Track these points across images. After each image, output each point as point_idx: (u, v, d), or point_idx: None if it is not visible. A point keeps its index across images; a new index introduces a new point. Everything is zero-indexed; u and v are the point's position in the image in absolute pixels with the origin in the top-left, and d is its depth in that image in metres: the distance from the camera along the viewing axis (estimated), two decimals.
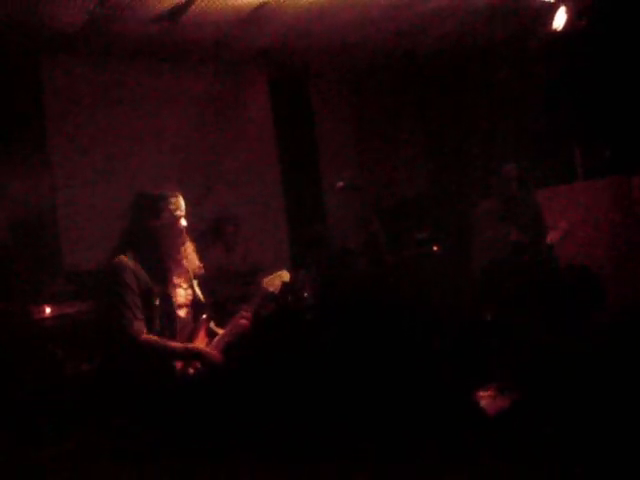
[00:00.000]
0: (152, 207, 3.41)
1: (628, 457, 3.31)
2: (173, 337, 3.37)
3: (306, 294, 5.83)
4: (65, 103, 6.75)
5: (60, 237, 6.65)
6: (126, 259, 3.34)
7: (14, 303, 5.38)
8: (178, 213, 3.45)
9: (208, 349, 3.44)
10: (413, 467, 3.54)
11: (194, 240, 3.61)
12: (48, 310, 5.42)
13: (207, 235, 6.38)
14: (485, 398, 4.59)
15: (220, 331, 3.56)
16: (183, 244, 3.49)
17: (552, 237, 5.34)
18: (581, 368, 4.76)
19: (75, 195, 6.70)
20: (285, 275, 3.79)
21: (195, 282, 3.61)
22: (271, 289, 3.70)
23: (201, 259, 3.64)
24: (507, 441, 3.75)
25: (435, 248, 6.83)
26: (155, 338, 3.29)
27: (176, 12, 5.94)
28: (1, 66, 6.37)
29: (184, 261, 3.50)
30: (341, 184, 5.38)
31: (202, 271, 3.64)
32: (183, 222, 3.49)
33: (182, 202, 3.49)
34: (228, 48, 7.10)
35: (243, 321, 3.53)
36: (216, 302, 4.02)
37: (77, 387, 5.12)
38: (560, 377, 4.61)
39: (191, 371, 3.35)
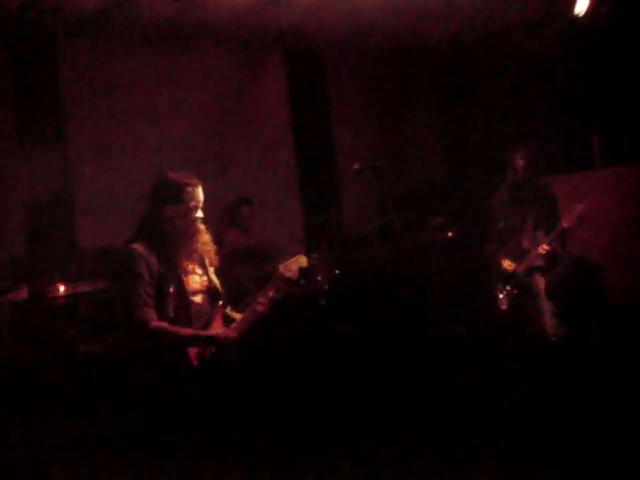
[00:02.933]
0: (171, 193, 3.39)
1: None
2: (189, 324, 3.36)
3: (320, 278, 5.82)
4: (81, 85, 6.76)
5: (75, 216, 6.68)
6: (139, 247, 3.34)
7: (29, 282, 5.40)
8: (194, 203, 3.42)
9: (221, 335, 3.42)
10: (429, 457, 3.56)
11: (210, 230, 3.58)
12: (62, 289, 5.42)
13: (223, 217, 6.38)
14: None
15: (237, 316, 3.55)
16: (195, 235, 3.47)
17: (567, 220, 5.30)
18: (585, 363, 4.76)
19: (90, 174, 6.71)
20: (303, 260, 3.75)
21: (211, 269, 3.59)
22: (288, 274, 3.66)
23: (217, 249, 3.61)
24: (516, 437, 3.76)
25: (450, 234, 6.82)
26: (165, 325, 3.28)
27: None
28: (19, 49, 6.39)
29: (197, 251, 3.49)
30: (357, 166, 5.34)
31: (217, 263, 3.62)
32: (199, 213, 3.46)
33: (201, 193, 3.47)
34: (246, 30, 7.06)
35: (260, 307, 3.51)
36: (231, 285, 3.99)
37: (90, 367, 5.16)
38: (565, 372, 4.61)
39: (206, 356, 3.34)
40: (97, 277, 5.61)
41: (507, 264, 5.45)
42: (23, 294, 5.28)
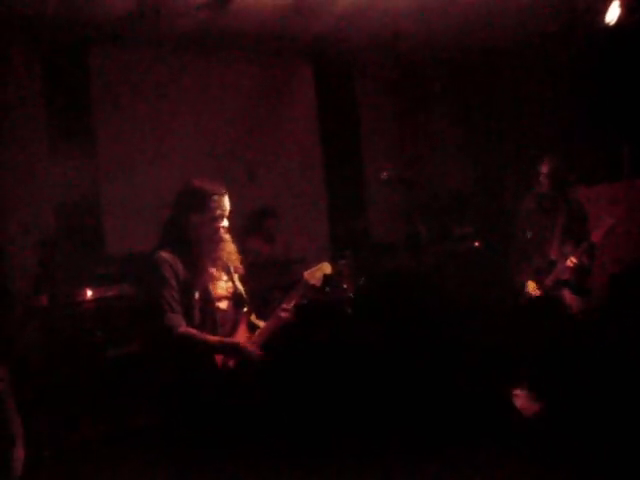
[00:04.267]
0: (196, 202, 3.39)
1: None
2: (214, 330, 3.36)
3: (345, 286, 5.81)
4: (111, 92, 6.86)
5: (103, 221, 6.76)
6: (165, 253, 3.33)
7: (49, 288, 5.46)
8: (219, 212, 3.41)
9: (246, 343, 3.43)
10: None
11: (235, 238, 3.59)
12: (90, 293, 5.49)
13: (246, 226, 6.40)
14: (520, 398, 4.56)
15: (261, 324, 3.56)
16: (220, 243, 3.46)
17: (596, 234, 5.23)
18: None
19: (119, 180, 6.79)
20: (327, 267, 3.74)
21: (236, 276, 3.60)
22: (312, 281, 3.65)
23: (242, 258, 3.62)
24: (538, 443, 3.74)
25: (476, 244, 6.79)
26: (193, 332, 3.28)
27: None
28: (51, 55, 6.50)
29: (221, 258, 3.49)
30: (385, 175, 5.32)
31: (242, 271, 3.63)
32: (224, 222, 3.45)
33: (227, 201, 3.45)
34: (274, 38, 7.10)
35: (284, 314, 3.52)
36: (256, 293, 3.99)
37: (116, 371, 5.20)
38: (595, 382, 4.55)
39: (231, 364, 3.35)
40: (124, 282, 5.67)
41: (532, 287, 5.36)
42: (45, 299, 5.35)
